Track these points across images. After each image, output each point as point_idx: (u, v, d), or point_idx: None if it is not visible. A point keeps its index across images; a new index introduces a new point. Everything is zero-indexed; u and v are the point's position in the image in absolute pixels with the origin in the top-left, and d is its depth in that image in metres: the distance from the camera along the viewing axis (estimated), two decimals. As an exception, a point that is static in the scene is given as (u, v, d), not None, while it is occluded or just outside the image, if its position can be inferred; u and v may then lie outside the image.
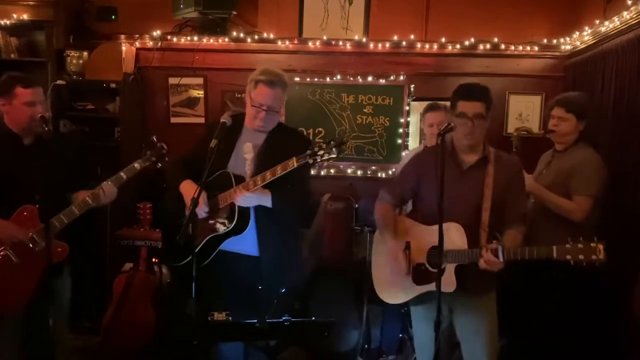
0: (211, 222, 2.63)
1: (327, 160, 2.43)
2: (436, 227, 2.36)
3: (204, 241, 2.62)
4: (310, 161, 2.41)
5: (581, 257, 2.14)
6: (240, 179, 2.59)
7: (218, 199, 2.62)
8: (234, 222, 2.56)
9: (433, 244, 2.44)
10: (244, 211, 2.58)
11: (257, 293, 2.64)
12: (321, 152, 2.40)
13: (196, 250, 2.58)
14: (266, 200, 2.58)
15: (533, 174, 3.15)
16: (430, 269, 2.47)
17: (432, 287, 2.44)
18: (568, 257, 2.17)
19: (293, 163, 2.45)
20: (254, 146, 2.70)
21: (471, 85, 2.55)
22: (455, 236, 2.38)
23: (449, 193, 2.30)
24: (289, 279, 2.80)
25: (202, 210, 2.60)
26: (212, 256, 2.62)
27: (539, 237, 2.90)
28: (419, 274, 2.50)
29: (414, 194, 2.68)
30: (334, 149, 2.40)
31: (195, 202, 2.36)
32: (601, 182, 2.88)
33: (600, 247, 2.12)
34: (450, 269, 2.39)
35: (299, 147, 2.52)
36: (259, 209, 2.61)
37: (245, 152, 2.69)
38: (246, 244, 2.64)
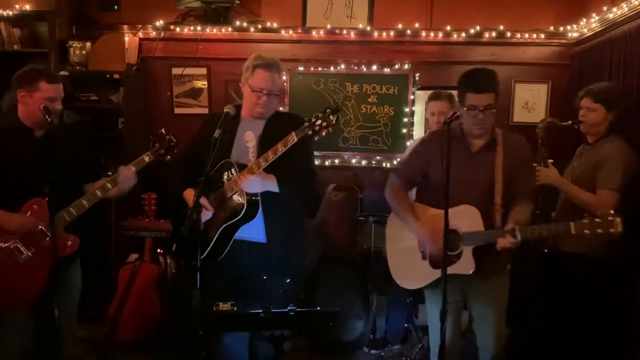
0: (222, 213, 2.63)
1: (326, 128, 2.43)
2: (450, 210, 2.41)
3: (217, 233, 2.63)
4: (310, 132, 2.42)
5: (599, 230, 2.22)
6: (243, 167, 2.60)
7: (224, 190, 2.62)
8: (244, 209, 2.56)
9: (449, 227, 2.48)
10: (253, 200, 2.58)
11: (262, 283, 2.65)
12: (319, 122, 2.42)
13: (212, 243, 2.63)
14: (272, 186, 2.58)
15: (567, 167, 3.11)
16: (448, 252, 2.48)
17: (449, 270, 2.46)
18: (586, 231, 2.24)
19: (293, 138, 2.46)
20: (255, 133, 2.71)
21: (478, 74, 2.53)
22: (471, 218, 2.43)
23: (460, 177, 2.40)
24: (295, 265, 2.81)
25: (208, 213, 2.61)
26: (227, 248, 2.64)
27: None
28: (436, 258, 2.54)
29: (422, 176, 2.70)
30: (331, 117, 2.41)
31: (198, 194, 2.36)
32: (628, 176, 2.80)
33: (618, 220, 2.19)
34: (468, 251, 2.44)
35: (298, 126, 2.57)
36: (266, 195, 2.60)
37: (247, 141, 2.70)
38: (254, 230, 2.65)
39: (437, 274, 2.51)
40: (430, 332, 2.75)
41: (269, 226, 2.65)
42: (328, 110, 2.43)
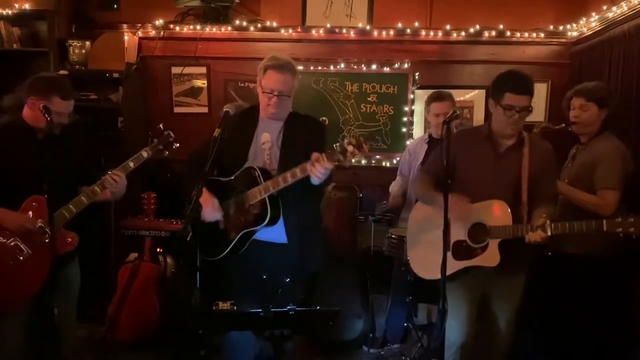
0: (242, 218, 2.63)
1: (356, 156, 2.38)
2: (478, 204, 2.53)
3: (237, 237, 2.63)
4: (341, 157, 2.38)
5: (632, 229, 2.25)
6: (266, 173, 2.59)
7: (248, 196, 2.61)
8: (268, 217, 2.56)
9: (474, 221, 2.56)
10: (275, 204, 2.58)
11: (265, 282, 2.65)
12: (350, 148, 2.36)
13: (231, 245, 2.64)
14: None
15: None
16: (473, 245, 2.56)
17: (471, 262, 2.57)
18: (619, 229, 2.27)
19: (324, 161, 2.41)
20: (272, 135, 2.71)
21: (519, 77, 2.58)
22: (500, 213, 2.50)
23: (488, 174, 2.52)
24: (315, 264, 2.81)
25: (214, 216, 2.62)
26: (245, 247, 2.66)
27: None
28: (459, 250, 2.60)
29: (451, 173, 2.71)
30: (363, 145, 2.35)
31: (198, 192, 2.35)
32: (626, 173, 2.80)
33: None
34: (494, 244, 2.52)
35: (315, 132, 2.63)
36: (285, 196, 2.60)
37: (263, 142, 2.70)
38: (275, 231, 2.65)
39: (459, 265, 2.60)
40: (447, 328, 2.72)
41: (289, 227, 2.65)
42: (361, 137, 2.39)
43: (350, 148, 2.37)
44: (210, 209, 2.61)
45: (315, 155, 2.44)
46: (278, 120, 2.74)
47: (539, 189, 2.57)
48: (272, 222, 2.59)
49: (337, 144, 2.40)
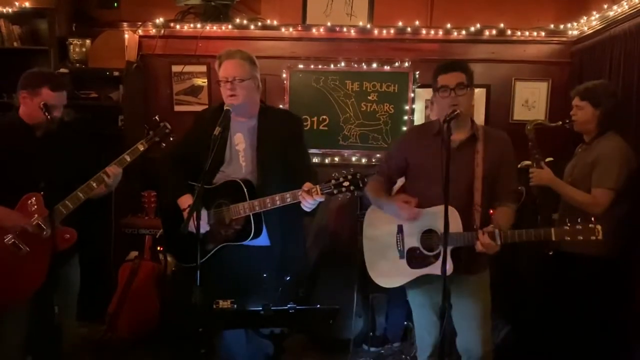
0: (223, 231, 2.61)
1: (352, 191, 2.35)
2: (428, 209, 2.43)
3: (215, 248, 2.62)
4: (335, 191, 2.36)
5: (580, 237, 2.22)
6: (252, 189, 2.55)
7: (230, 210, 2.57)
8: (251, 235, 2.54)
9: (425, 227, 2.46)
10: (259, 221, 2.55)
11: (262, 281, 2.64)
12: (346, 183, 2.34)
13: (208, 255, 2.61)
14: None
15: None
16: (425, 252, 2.47)
17: (426, 270, 2.46)
18: (567, 238, 2.25)
19: (317, 192, 2.39)
20: (245, 135, 2.67)
21: (447, 60, 2.56)
22: (450, 219, 2.30)
23: (440, 174, 2.27)
24: (297, 265, 2.80)
25: (202, 228, 2.55)
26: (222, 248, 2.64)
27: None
28: (413, 258, 2.51)
29: (402, 173, 2.67)
30: (360, 182, 2.33)
31: (200, 192, 2.33)
32: (624, 174, 2.78)
33: (599, 227, 2.20)
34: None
35: (291, 128, 2.64)
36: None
37: (237, 144, 2.67)
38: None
39: (414, 273, 2.50)
40: (416, 334, 2.72)
41: (271, 229, 2.61)
42: (358, 175, 2.35)
43: (346, 184, 2.34)
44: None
45: (308, 185, 2.41)
46: (248, 118, 2.67)
47: (497, 186, 2.46)
48: (254, 238, 2.56)
49: (334, 176, 2.37)
